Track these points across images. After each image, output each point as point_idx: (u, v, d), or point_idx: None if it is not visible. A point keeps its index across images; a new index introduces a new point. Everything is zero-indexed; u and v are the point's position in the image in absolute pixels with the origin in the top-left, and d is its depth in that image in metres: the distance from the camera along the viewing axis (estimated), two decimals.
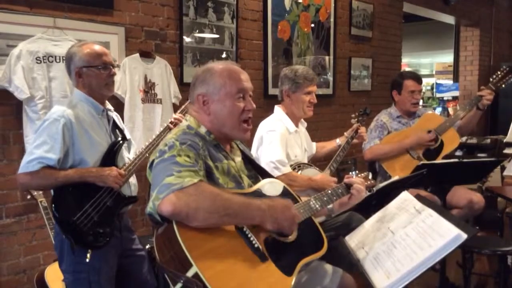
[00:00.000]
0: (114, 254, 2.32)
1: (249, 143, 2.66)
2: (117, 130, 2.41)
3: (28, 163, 2.11)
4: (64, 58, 2.86)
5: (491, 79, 3.51)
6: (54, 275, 2.66)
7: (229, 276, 1.47)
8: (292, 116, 2.93)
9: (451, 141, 3.51)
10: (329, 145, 3.27)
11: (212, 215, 1.51)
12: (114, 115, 2.45)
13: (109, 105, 2.42)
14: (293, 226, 1.72)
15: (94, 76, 2.28)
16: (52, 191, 2.24)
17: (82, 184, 2.17)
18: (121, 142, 2.35)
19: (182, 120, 2.54)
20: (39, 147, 2.12)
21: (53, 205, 2.18)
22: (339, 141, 3.18)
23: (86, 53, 2.27)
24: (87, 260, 2.18)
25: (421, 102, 3.82)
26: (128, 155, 2.44)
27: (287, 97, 2.92)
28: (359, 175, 2.10)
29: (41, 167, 2.10)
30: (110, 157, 2.29)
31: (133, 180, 2.42)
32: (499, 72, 3.50)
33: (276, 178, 2.07)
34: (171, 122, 2.54)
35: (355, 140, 3.13)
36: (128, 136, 2.50)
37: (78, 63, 2.26)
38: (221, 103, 1.79)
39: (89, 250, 2.19)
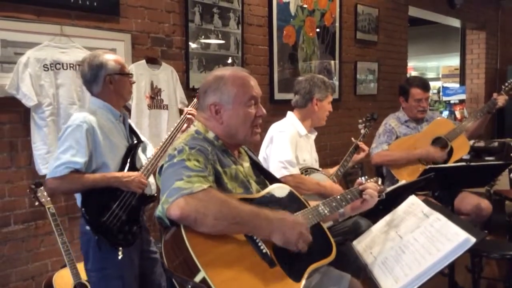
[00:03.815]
0: (136, 253, 2.40)
1: (256, 147, 2.66)
2: (133, 134, 2.53)
3: (56, 168, 2.18)
4: (71, 65, 2.94)
5: (503, 87, 3.50)
6: (62, 281, 2.67)
7: (237, 282, 1.47)
8: (305, 122, 2.95)
9: (461, 147, 3.48)
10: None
11: (220, 222, 1.52)
12: (129, 120, 2.57)
13: (123, 111, 2.52)
14: (301, 242, 1.64)
15: (124, 83, 2.43)
16: (79, 196, 2.32)
17: (107, 189, 2.26)
18: (137, 144, 2.47)
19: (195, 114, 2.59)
20: (65, 152, 2.20)
21: (83, 209, 2.26)
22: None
23: (117, 61, 2.41)
24: (119, 257, 2.26)
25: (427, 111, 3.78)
26: (144, 157, 2.53)
27: (315, 106, 2.93)
28: (369, 180, 2.09)
29: (69, 172, 2.18)
30: (129, 159, 2.38)
31: (151, 179, 2.49)
32: (511, 81, 3.49)
33: (284, 178, 2.06)
34: (188, 114, 2.59)
35: (357, 156, 3.08)
36: (143, 138, 2.60)
37: (111, 71, 2.37)
38: (235, 112, 1.79)
39: (120, 248, 2.28)
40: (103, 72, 2.36)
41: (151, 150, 2.61)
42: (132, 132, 2.52)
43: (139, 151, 2.49)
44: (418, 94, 3.56)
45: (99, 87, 2.38)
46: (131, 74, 2.52)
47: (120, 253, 2.27)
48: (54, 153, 2.29)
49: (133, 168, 2.36)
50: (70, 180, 2.19)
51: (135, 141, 2.47)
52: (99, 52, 2.43)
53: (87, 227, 2.26)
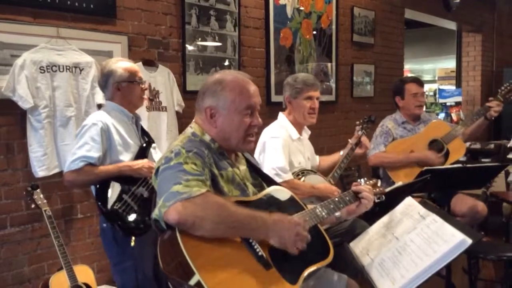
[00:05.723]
0: (151, 244, 2.40)
1: (251, 151, 2.66)
2: (144, 135, 2.68)
3: (72, 162, 2.36)
4: (67, 67, 2.94)
5: (499, 90, 3.50)
6: (58, 284, 2.66)
7: (232, 285, 1.47)
8: (295, 123, 2.93)
9: (457, 150, 3.49)
10: (331, 158, 3.22)
11: (218, 226, 1.52)
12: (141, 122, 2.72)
13: (136, 113, 2.65)
14: (299, 243, 1.65)
15: (132, 90, 2.56)
16: (93, 189, 2.46)
17: (120, 178, 2.42)
18: (149, 144, 2.63)
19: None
20: (81, 148, 2.37)
21: (98, 202, 2.40)
22: (342, 152, 3.15)
23: (126, 69, 2.53)
24: (132, 245, 2.39)
25: (424, 108, 3.79)
26: (156, 157, 2.62)
27: (289, 104, 2.93)
28: (368, 183, 2.09)
29: (84, 165, 2.35)
30: (142, 158, 2.53)
31: None
32: (507, 84, 3.49)
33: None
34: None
35: (358, 151, 3.08)
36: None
37: (118, 78, 2.51)
38: (229, 118, 1.79)
39: (133, 237, 2.41)
40: (111, 80, 2.51)
41: (159, 153, 2.70)
42: (143, 133, 2.67)
43: (151, 150, 2.64)
44: (414, 88, 3.58)
45: (109, 93, 2.56)
46: (142, 81, 2.61)
47: (132, 241, 2.39)
48: (71, 150, 2.46)
49: None
50: (85, 172, 2.35)
51: (147, 141, 2.63)
52: (111, 60, 2.60)
53: (104, 224, 2.43)
